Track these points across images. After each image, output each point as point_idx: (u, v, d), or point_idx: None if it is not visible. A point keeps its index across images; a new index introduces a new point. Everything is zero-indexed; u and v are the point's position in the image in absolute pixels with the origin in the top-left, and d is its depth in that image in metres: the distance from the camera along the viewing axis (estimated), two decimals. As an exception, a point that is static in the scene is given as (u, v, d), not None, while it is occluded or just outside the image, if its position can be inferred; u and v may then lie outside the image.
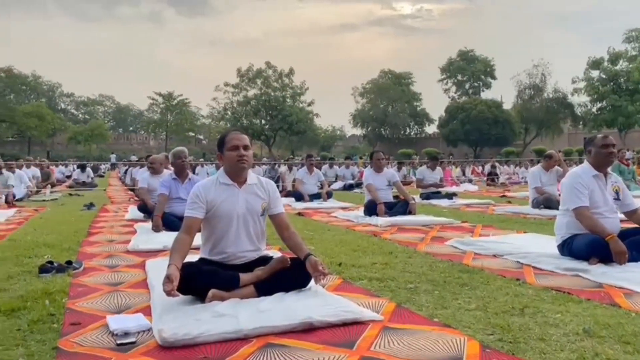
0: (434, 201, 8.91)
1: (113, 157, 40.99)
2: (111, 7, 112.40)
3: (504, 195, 10.94)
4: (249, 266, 2.90)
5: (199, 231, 2.95)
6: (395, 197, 7.22)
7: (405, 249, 4.40)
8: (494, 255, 4.01)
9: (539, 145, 40.75)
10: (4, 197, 7.62)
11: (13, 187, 9.60)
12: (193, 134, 60.21)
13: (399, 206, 6.68)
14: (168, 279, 2.47)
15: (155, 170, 6.87)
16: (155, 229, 5.33)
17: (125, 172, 17.28)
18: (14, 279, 3.38)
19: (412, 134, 57.63)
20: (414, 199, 7.07)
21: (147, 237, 5.04)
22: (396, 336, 2.22)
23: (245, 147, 2.90)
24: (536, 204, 7.21)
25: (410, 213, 6.54)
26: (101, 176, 23.07)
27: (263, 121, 49.33)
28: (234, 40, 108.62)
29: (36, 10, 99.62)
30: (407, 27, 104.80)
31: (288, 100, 48.78)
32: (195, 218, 2.86)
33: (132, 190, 11.69)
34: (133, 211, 7.38)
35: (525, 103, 45.72)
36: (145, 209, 6.63)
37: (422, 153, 37.39)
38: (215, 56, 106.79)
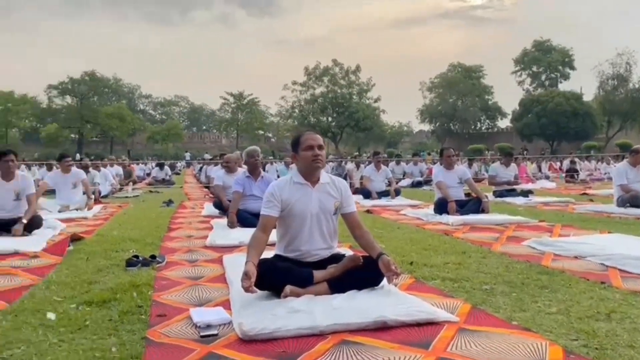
0: (508, 199, 8.60)
1: (187, 155, 42.80)
2: (186, 11, 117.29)
3: (585, 193, 10.36)
4: (322, 264, 2.95)
5: (275, 228, 3.03)
6: (467, 194, 7.05)
7: (478, 249, 4.29)
8: (576, 257, 3.83)
9: (624, 139, 38.15)
10: (93, 197, 8.16)
11: (99, 184, 10.30)
12: (262, 132, 61.59)
13: (471, 204, 6.51)
14: (246, 275, 2.57)
15: (229, 169, 7.11)
16: (231, 225, 5.52)
17: (200, 169, 17.99)
18: (104, 272, 3.62)
19: (483, 128, 55.80)
20: (486, 197, 6.87)
21: (223, 233, 5.23)
22: (473, 338, 2.18)
23: (320, 147, 2.95)
24: (622, 202, 6.79)
25: (483, 211, 6.36)
26: (177, 174, 24.08)
27: (330, 118, 49.60)
28: (300, 38, 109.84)
29: (117, 17, 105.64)
30: (477, 18, 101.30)
31: (354, 97, 48.72)
32: (270, 217, 2.94)
33: (207, 187, 12.16)
34: (209, 208, 7.67)
35: (607, 94, 42.95)
36: (221, 206, 6.88)
37: (494, 148, 36.14)
38: (282, 55, 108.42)
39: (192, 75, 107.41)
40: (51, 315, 2.60)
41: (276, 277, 2.75)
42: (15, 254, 4.28)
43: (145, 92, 71.41)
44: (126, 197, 11.02)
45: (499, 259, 3.88)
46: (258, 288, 2.68)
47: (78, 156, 26.35)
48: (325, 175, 3.07)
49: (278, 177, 10.47)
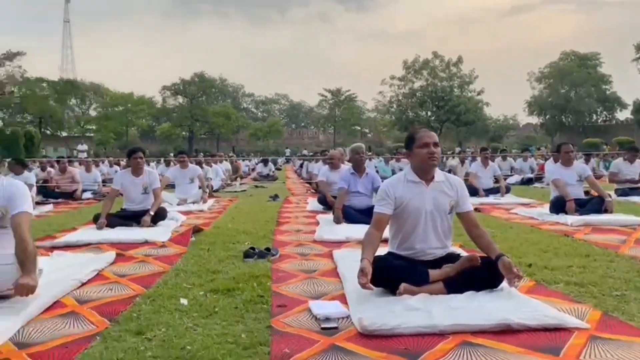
0: (633, 198, 7.88)
1: (288, 151, 44.17)
2: (285, 10, 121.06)
3: None
4: (436, 263, 2.92)
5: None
6: (585, 192, 6.57)
7: (604, 252, 3.99)
8: None
9: None
10: (207, 191, 8.72)
11: (211, 179, 10.95)
12: (359, 128, 61.89)
13: (593, 203, 6.04)
14: (362, 272, 2.61)
15: (333, 165, 7.23)
16: (337, 221, 5.61)
17: (301, 166, 18.45)
18: (224, 262, 3.85)
19: (599, 121, 51.56)
20: (610, 196, 6.35)
21: (330, 228, 5.33)
22: (608, 347, 2.05)
23: (435, 145, 2.92)
24: None
25: (606, 211, 5.89)
26: (279, 169, 24.92)
27: (429, 113, 48.62)
28: (399, 32, 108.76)
29: (222, 20, 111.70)
30: (591, 2, 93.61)
31: (455, 90, 47.38)
32: (384, 214, 2.96)
33: (309, 183, 12.46)
34: (312, 203, 7.87)
35: None
36: (325, 202, 7.02)
37: (612, 142, 33.27)
38: (380, 49, 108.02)
39: (291, 72, 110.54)
40: (184, 301, 2.82)
41: (391, 274, 2.77)
42: (145, 243, 4.69)
43: (248, 90, 74.62)
44: (235, 191, 11.60)
45: (628, 262, 3.59)
46: (373, 285, 2.71)
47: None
48: (440, 174, 3.03)
49: (377, 173, 10.48)
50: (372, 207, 5.66)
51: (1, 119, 47.72)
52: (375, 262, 2.73)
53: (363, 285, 2.59)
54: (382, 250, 3.03)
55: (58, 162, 11.11)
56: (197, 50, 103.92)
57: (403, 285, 2.70)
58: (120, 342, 2.23)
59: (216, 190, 10.99)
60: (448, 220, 2.99)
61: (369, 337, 2.23)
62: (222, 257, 4.04)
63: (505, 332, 2.24)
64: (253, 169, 19.88)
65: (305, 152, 39.18)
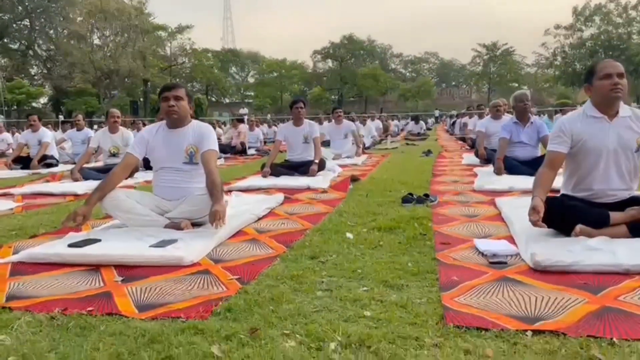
0: None
1: (437, 112, 42.94)
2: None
3: None
4: (618, 206, 2.68)
5: (562, 166, 2.86)
6: None
7: None
8: None
9: None
10: (361, 146, 8.94)
11: (363, 136, 11.15)
12: (517, 85, 57.63)
13: None
14: (534, 210, 2.49)
15: (496, 115, 6.90)
16: (497, 172, 5.38)
17: (453, 124, 17.88)
18: (384, 207, 3.94)
19: None
20: None
21: (490, 179, 5.14)
22: None
23: (620, 75, 2.63)
24: None
25: None
26: (429, 129, 24.40)
27: (601, 64, 43.26)
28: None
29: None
30: None
31: (635, 37, 41.34)
32: (559, 152, 2.77)
33: (463, 139, 12.05)
34: (468, 158, 7.63)
35: None
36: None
37: None
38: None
39: (442, 30, 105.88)
40: (349, 235, 2.98)
41: (566, 215, 2.60)
42: (308, 189, 5.00)
43: (397, 51, 73.43)
44: (386, 148, 11.69)
45: None
46: (546, 225, 2.58)
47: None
48: (625, 108, 2.74)
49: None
50: (537, 158, 5.39)
51: (176, 88, 53.60)
52: (548, 202, 2.58)
53: (534, 223, 2.47)
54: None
55: (225, 123, 12.22)
56: (347, 13, 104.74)
57: (579, 227, 2.53)
58: (298, 263, 2.44)
59: (367, 148, 11.16)
60: (634, 160, 2.72)
61: (542, 272, 2.15)
62: (381, 202, 4.15)
63: None
64: (402, 129, 19.77)
65: (454, 112, 37.72)
